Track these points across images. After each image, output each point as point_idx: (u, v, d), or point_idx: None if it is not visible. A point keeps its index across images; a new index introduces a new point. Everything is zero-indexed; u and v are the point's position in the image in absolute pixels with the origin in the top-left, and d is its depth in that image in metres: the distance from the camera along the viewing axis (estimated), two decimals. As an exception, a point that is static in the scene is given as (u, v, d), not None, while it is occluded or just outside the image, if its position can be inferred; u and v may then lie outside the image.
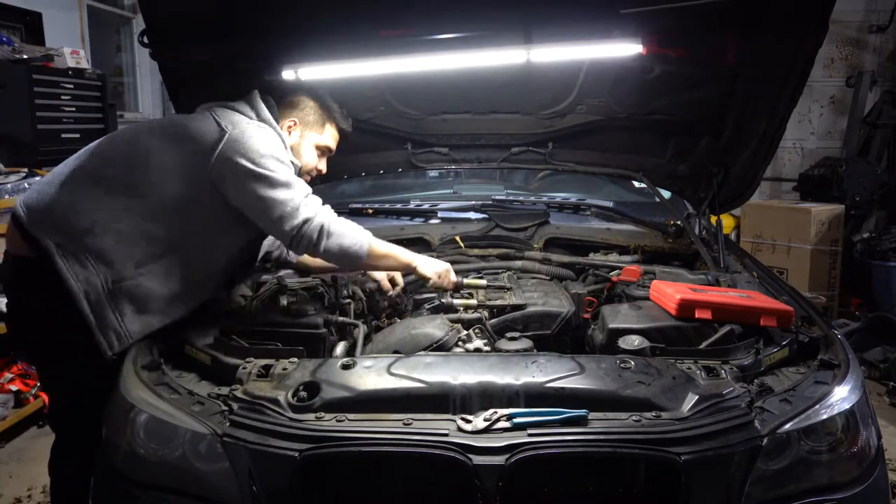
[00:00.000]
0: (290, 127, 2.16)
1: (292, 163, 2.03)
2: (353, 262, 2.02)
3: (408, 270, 2.17)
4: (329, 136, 2.25)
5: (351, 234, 1.98)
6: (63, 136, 4.36)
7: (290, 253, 2.43)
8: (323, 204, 2.00)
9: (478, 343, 1.98)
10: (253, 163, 1.88)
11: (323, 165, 2.29)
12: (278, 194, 1.89)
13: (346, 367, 1.64)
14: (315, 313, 1.98)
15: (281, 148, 2.00)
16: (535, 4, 2.11)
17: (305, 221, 1.90)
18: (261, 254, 2.36)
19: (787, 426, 1.50)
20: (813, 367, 1.71)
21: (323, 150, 2.26)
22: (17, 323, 2.03)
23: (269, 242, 2.39)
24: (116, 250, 1.83)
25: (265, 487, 1.45)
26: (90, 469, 1.73)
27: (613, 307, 2.06)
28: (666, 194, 3.05)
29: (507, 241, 2.83)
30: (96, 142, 2.00)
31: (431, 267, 2.16)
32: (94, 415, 1.75)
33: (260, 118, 2.05)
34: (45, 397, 3.50)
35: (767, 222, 5.26)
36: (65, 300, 1.78)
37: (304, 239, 1.91)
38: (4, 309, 2.30)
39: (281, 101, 2.18)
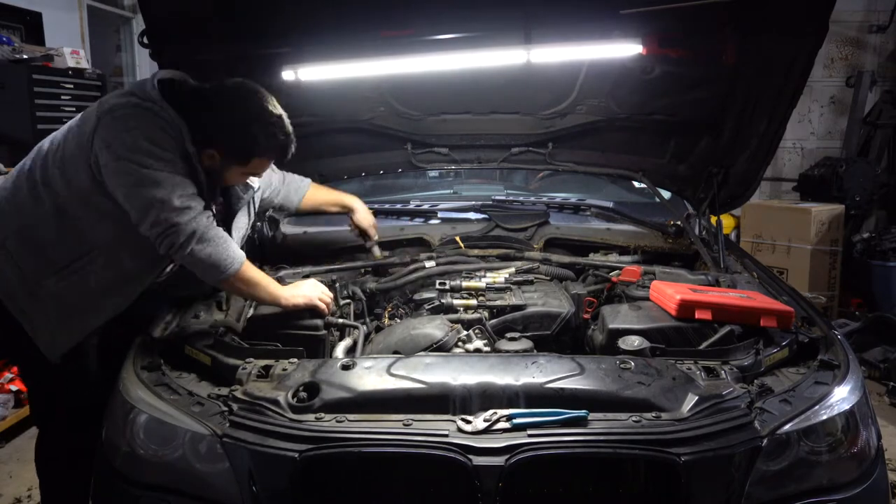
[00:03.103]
0: (207, 154, 1.88)
1: (189, 158, 1.83)
2: (215, 275, 1.84)
3: (273, 304, 1.97)
4: (256, 166, 1.99)
5: (225, 248, 1.82)
6: (63, 136, 4.35)
7: (288, 195, 2.46)
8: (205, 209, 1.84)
9: (478, 343, 1.98)
10: (117, 155, 1.72)
11: (258, 176, 2.11)
12: (146, 193, 1.72)
13: (345, 367, 1.64)
14: (315, 313, 1.98)
15: (159, 132, 1.77)
16: (535, 4, 2.11)
17: (173, 226, 1.74)
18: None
19: (787, 427, 1.50)
20: (813, 368, 1.71)
21: (250, 175, 2.05)
22: None
23: (267, 192, 2.38)
24: (33, 257, 1.83)
25: (265, 488, 1.45)
26: (74, 463, 1.74)
27: (613, 307, 2.06)
28: (666, 194, 3.05)
29: (507, 241, 2.82)
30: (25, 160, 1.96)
31: (294, 299, 1.96)
32: (66, 410, 1.83)
33: (145, 97, 1.80)
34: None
35: (767, 222, 5.25)
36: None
37: (167, 240, 1.75)
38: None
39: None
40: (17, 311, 1.86)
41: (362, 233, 2.57)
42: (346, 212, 2.56)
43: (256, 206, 2.28)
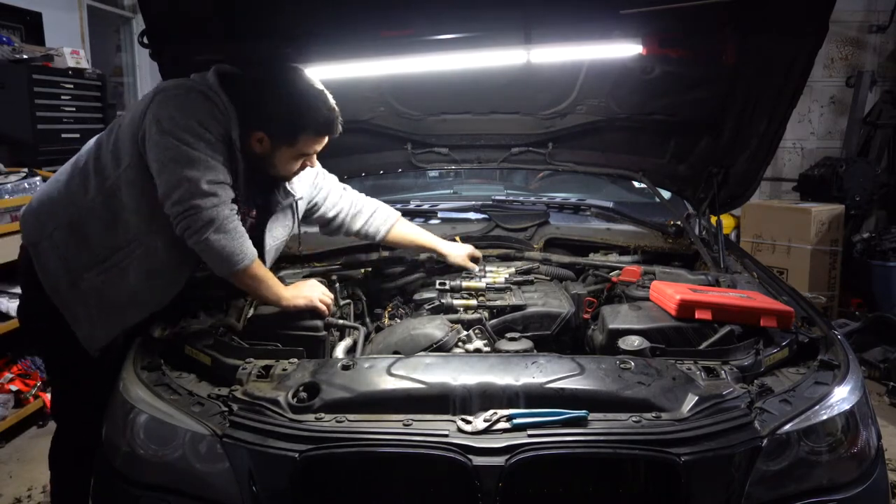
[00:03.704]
0: (255, 138, 1.92)
1: (231, 141, 1.84)
2: (226, 267, 1.82)
3: (275, 304, 1.94)
4: (305, 145, 1.96)
5: (240, 242, 1.81)
6: (63, 136, 4.35)
7: (373, 224, 2.38)
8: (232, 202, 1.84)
9: (478, 343, 1.98)
10: (162, 129, 1.75)
11: (312, 161, 2.06)
12: (178, 169, 1.74)
13: (346, 367, 1.64)
14: (315, 314, 1.98)
15: (208, 115, 1.80)
16: (535, 4, 2.11)
17: (194, 207, 1.74)
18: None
19: (787, 427, 1.50)
20: (813, 368, 1.71)
21: (302, 156, 2.00)
22: (24, 312, 2.11)
23: (341, 215, 2.34)
24: (77, 249, 1.86)
25: (265, 488, 1.45)
26: (89, 462, 1.74)
27: (613, 307, 2.06)
28: (666, 194, 3.05)
29: (507, 241, 2.82)
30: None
31: (295, 300, 1.94)
32: (92, 407, 1.79)
33: (201, 81, 1.86)
34: (44, 397, 3.51)
35: (767, 222, 5.25)
36: (40, 296, 1.89)
37: (185, 221, 1.75)
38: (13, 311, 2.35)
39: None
40: (60, 302, 1.88)
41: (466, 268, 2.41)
42: (439, 256, 2.45)
43: (300, 215, 2.22)
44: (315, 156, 2.05)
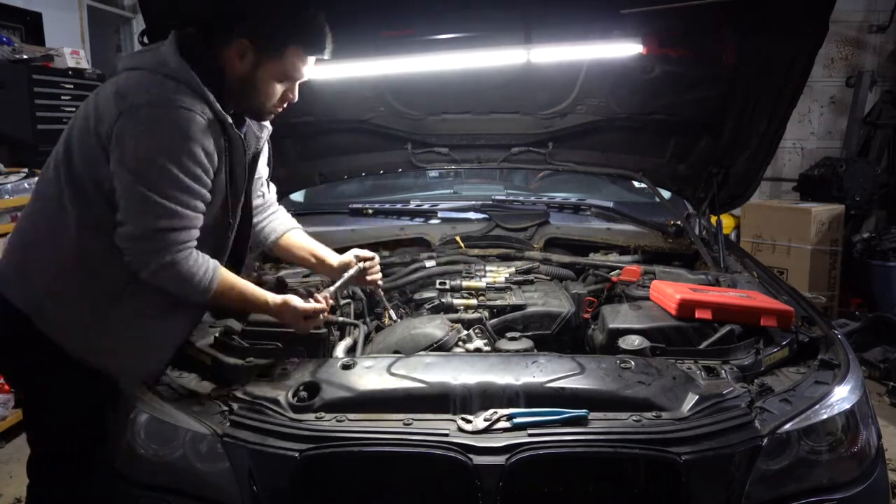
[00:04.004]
0: (237, 51, 1.65)
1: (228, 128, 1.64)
2: (195, 295, 1.65)
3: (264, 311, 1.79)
4: (291, 63, 1.70)
5: (186, 285, 1.62)
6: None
7: (265, 229, 2.09)
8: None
9: (478, 343, 1.98)
10: (130, 169, 1.52)
11: (294, 93, 1.79)
12: (148, 196, 1.52)
13: (346, 367, 1.64)
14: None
15: (192, 143, 1.55)
16: (535, 4, 2.11)
17: (154, 251, 1.56)
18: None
19: (788, 426, 1.50)
20: (813, 367, 1.71)
21: (287, 78, 1.74)
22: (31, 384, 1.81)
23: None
24: (89, 288, 1.64)
25: (265, 487, 1.45)
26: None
27: (613, 307, 2.06)
28: (666, 194, 3.05)
29: (508, 241, 2.82)
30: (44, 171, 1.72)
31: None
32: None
33: (174, 80, 1.57)
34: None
35: (767, 222, 5.25)
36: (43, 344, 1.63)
37: (136, 263, 1.57)
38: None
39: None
40: (87, 349, 1.64)
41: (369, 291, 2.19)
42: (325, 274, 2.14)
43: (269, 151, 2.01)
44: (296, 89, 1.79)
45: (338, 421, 1.48)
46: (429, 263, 2.54)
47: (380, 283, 2.11)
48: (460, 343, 1.96)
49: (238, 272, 1.82)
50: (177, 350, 1.77)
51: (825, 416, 1.55)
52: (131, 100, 1.54)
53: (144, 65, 1.62)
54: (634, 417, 1.47)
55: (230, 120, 1.65)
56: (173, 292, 1.63)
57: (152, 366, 1.71)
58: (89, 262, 1.63)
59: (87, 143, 1.60)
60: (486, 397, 1.53)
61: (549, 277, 2.54)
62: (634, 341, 1.80)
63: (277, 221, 2.12)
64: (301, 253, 2.09)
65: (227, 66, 1.68)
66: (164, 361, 1.74)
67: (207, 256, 1.66)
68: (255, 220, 2.04)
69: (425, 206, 3.19)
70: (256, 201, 2.04)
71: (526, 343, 1.93)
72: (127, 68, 1.66)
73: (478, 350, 1.93)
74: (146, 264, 1.57)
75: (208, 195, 1.64)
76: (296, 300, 1.76)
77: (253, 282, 2.17)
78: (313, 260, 2.09)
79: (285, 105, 1.80)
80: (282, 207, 2.19)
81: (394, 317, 2.12)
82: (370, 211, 3.11)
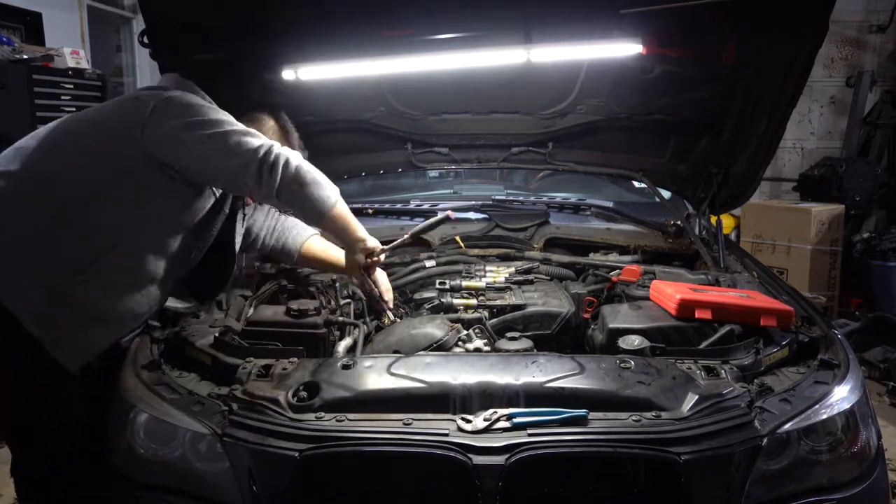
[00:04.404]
0: (263, 125, 2.00)
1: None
2: (327, 200, 1.79)
3: (360, 242, 1.96)
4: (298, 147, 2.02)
5: (322, 179, 1.78)
6: (63, 136, 4.36)
7: (287, 241, 2.26)
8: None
9: (478, 343, 1.98)
10: (190, 114, 1.72)
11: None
12: (231, 123, 1.74)
13: (346, 366, 1.64)
14: (315, 313, 1.98)
15: (206, 101, 1.84)
16: (535, 4, 2.11)
17: (265, 149, 1.70)
18: (241, 242, 2.14)
19: (787, 426, 1.50)
20: (813, 367, 1.71)
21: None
22: None
23: (256, 227, 2.23)
24: (50, 258, 1.66)
25: (265, 487, 1.45)
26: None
27: (613, 307, 2.06)
28: (666, 194, 3.05)
29: (507, 241, 2.82)
30: (20, 145, 1.80)
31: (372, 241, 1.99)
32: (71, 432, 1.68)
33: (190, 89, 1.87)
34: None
35: (767, 222, 5.25)
36: (6, 322, 1.62)
37: (276, 158, 1.70)
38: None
39: (239, 116, 1.93)
40: (35, 323, 1.64)
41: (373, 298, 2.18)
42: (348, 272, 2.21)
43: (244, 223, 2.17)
44: None
45: (338, 421, 1.48)
46: (429, 263, 2.54)
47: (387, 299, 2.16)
48: (460, 343, 1.96)
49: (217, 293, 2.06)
50: (107, 344, 1.76)
51: (825, 416, 1.55)
52: (158, 96, 1.77)
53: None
54: (634, 417, 1.47)
55: None
56: (310, 197, 1.75)
57: (81, 353, 1.71)
58: (58, 233, 1.68)
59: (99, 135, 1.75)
60: (485, 397, 1.53)
61: (549, 277, 2.54)
62: (634, 341, 1.80)
63: (295, 233, 2.27)
64: (325, 258, 2.25)
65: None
66: (92, 354, 1.73)
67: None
68: (270, 238, 2.25)
69: (425, 206, 3.19)
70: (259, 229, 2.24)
71: (526, 343, 1.93)
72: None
73: (478, 350, 1.93)
74: (276, 179, 1.69)
75: None
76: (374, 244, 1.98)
77: (256, 280, 2.19)
78: (339, 265, 2.19)
79: None
80: (293, 219, 2.29)
81: (392, 318, 2.12)
82: (370, 211, 3.11)
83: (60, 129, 1.81)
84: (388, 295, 2.13)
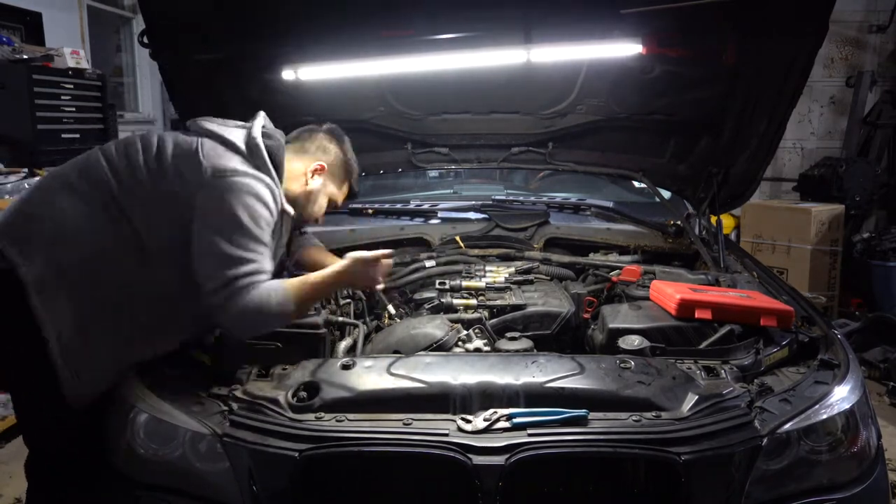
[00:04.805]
0: (316, 171, 1.95)
1: (283, 214, 1.81)
2: (280, 319, 1.72)
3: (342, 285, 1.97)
4: (342, 194, 2.07)
5: (270, 289, 1.68)
6: (63, 136, 4.36)
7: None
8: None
9: (478, 343, 1.98)
10: (221, 232, 1.64)
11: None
12: (227, 267, 1.63)
13: (346, 367, 1.64)
14: (315, 313, 1.98)
15: (264, 209, 1.71)
16: (535, 4, 2.11)
17: (231, 296, 1.62)
18: None
19: (787, 426, 1.50)
20: (813, 367, 1.71)
21: (332, 205, 2.05)
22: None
23: None
24: (92, 286, 1.65)
25: (265, 487, 1.45)
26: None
27: (613, 307, 2.06)
28: (666, 194, 3.05)
29: (507, 241, 2.83)
30: (81, 158, 1.78)
31: (361, 280, 1.95)
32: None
33: (256, 168, 1.75)
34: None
35: (767, 222, 5.25)
36: (26, 334, 1.60)
37: (216, 307, 1.64)
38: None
39: (304, 135, 1.99)
40: (58, 351, 1.62)
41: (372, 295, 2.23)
42: None
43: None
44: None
45: (337, 421, 1.48)
46: (429, 263, 2.54)
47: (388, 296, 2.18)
48: (460, 343, 1.96)
49: None
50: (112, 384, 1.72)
51: (825, 416, 1.55)
52: (219, 166, 1.70)
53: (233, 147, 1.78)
54: (634, 417, 1.47)
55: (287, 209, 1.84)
56: (260, 326, 1.70)
57: (92, 390, 1.68)
58: (99, 266, 1.66)
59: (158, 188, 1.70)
60: (485, 397, 1.53)
61: (548, 277, 2.54)
62: (634, 341, 1.80)
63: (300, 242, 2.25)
64: (322, 262, 2.17)
65: (290, 174, 1.91)
66: (101, 390, 1.69)
67: (272, 282, 1.70)
68: None
69: (425, 206, 3.19)
70: None
71: (526, 343, 1.93)
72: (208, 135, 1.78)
73: (478, 350, 1.93)
74: (227, 309, 1.62)
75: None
76: (357, 253, 1.89)
77: None
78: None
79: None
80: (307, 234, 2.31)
81: (392, 312, 2.13)
82: (370, 211, 3.11)
83: (135, 163, 1.73)
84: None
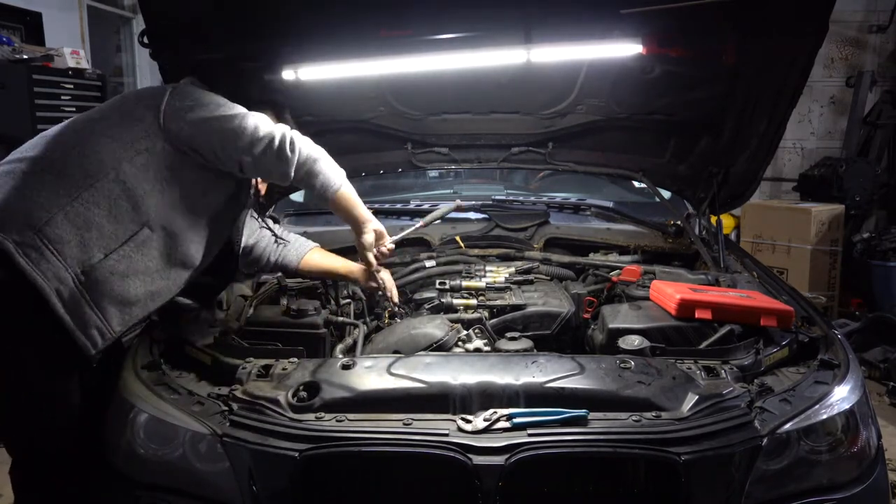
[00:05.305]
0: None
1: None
2: (322, 187, 1.88)
3: (363, 225, 2.00)
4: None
5: (331, 161, 1.89)
6: (63, 136, 4.36)
7: (287, 255, 2.29)
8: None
9: (478, 343, 1.98)
10: (203, 100, 1.81)
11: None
12: (240, 111, 1.81)
13: (346, 367, 1.64)
14: (315, 313, 1.98)
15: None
16: (535, 4, 2.11)
17: (281, 132, 1.80)
18: (242, 254, 2.20)
19: (787, 426, 1.50)
20: (813, 367, 1.71)
21: None
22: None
23: (260, 246, 2.27)
24: (82, 237, 1.66)
25: (265, 487, 1.45)
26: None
27: (613, 307, 2.06)
28: (666, 194, 3.05)
29: (507, 241, 2.83)
30: (39, 135, 1.84)
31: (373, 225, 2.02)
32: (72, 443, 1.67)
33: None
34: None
35: (767, 222, 5.25)
36: (28, 305, 1.60)
37: (290, 142, 1.80)
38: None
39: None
40: (63, 304, 1.63)
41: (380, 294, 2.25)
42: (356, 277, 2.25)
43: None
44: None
45: (338, 421, 1.48)
46: (429, 263, 2.54)
47: (391, 295, 2.20)
48: (460, 343, 1.96)
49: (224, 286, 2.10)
50: (126, 326, 1.76)
51: (825, 416, 1.55)
52: (167, 87, 1.87)
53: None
54: (634, 417, 1.47)
55: None
56: (321, 175, 1.85)
57: (106, 334, 1.70)
58: (87, 215, 1.69)
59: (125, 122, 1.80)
60: (485, 397, 1.53)
61: (549, 277, 2.54)
62: (634, 341, 1.80)
63: (295, 247, 2.30)
64: (325, 267, 2.29)
65: None
66: (121, 331, 1.73)
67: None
68: (273, 255, 2.28)
69: (425, 206, 3.19)
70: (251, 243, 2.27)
71: (526, 343, 1.93)
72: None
73: (478, 350, 1.94)
74: (294, 159, 1.80)
75: None
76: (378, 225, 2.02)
77: (252, 286, 2.20)
78: (342, 270, 2.26)
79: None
80: (294, 235, 2.35)
81: (396, 300, 2.18)
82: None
83: (82, 120, 1.86)
84: (395, 292, 2.19)
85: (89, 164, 1.73)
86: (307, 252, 2.31)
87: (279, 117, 2.05)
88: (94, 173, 1.72)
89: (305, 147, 1.84)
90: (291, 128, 1.94)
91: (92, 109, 1.94)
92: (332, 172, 1.89)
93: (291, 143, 1.80)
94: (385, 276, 2.18)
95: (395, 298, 2.20)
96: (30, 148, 1.79)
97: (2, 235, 1.60)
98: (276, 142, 1.78)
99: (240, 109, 1.82)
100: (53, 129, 1.85)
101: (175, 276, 1.83)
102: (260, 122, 1.81)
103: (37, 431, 1.76)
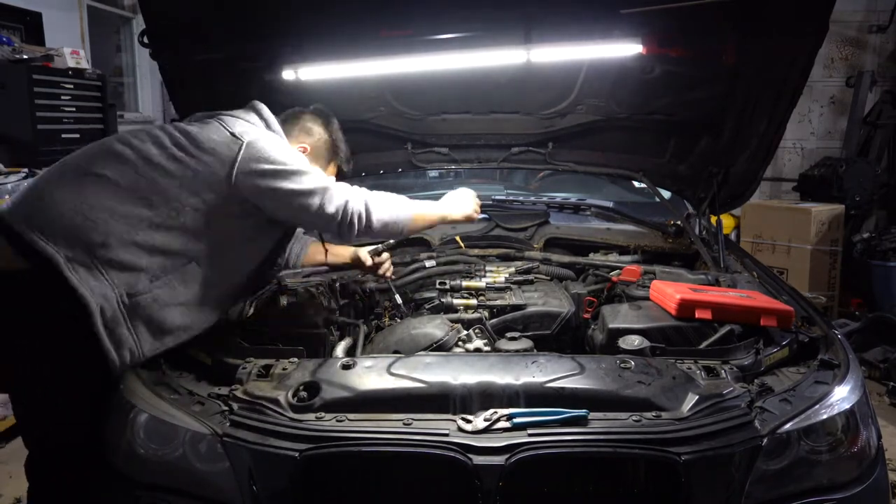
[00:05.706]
0: (300, 150, 2.03)
1: None
2: (398, 234, 2.04)
3: (444, 223, 2.20)
4: (330, 175, 2.12)
5: (391, 207, 1.95)
6: (63, 136, 4.36)
7: (293, 249, 2.31)
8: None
9: (478, 343, 1.98)
10: (277, 165, 1.79)
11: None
12: (311, 185, 1.81)
13: (346, 367, 1.64)
14: (315, 313, 1.98)
15: (292, 149, 1.93)
16: (535, 4, 2.11)
17: (346, 202, 1.84)
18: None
19: (787, 426, 1.50)
20: (813, 367, 1.71)
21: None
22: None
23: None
24: (132, 262, 1.69)
25: (265, 487, 1.45)
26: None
27: (613, 307, 2.06)
28: (666, 194, 3.05)
29: (507, 241, 2.83)
30: (96, 144, 1.85)
31: (461, 209, 2.20)
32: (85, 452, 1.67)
33: (269, 128, 1.94)
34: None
35: (767, 222, 5.25)
36: (67, 317, 1.61)
37: (351, 217, 1.84)
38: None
39: (289, 118, 2.06)
40: (104, 322, 1.64)
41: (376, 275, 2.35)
42: (357, 264, 2.36)
43: None
44: None
45: (338, 421, 1.48)
46: (429, 263, 2.54)
47: (391, 276, 2.33)
48: (460, 343, 1.96)
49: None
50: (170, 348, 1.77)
51: (825, 416, 1.55)
52: (247, 139, 1.83)
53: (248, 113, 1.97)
54: (634, 417, 1.47)
55: None
56: (388, 224, 1.93)
57: (147, 350, 1.71)
58: (141, 242, 1.71)
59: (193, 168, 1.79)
60: (486, 397, 1.53)
61: (549, 277, 2.54)
62: (634, 341, 1.80)
63: (299, 241, 2.34)
64: (322, 260, 2.37)
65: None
66: (156, 351, 1.74)
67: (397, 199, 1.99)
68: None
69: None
70: None
71: (526, 343, 1.93)
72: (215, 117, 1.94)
73: (478, 350, 1.93)
74: (360, 215, 1.85)
75: None
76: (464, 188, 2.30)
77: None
78: (347, 258, 2.36)
79: None
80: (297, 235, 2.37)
81: (399, 300, 2.22)
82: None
83: (154, 154, 1.79)
84: (390, 270, 2.35)
85: (153, 199, 1.74)
86: (309, 245, 2.35)
87: (328, 130, 2.12)
88: (150, 205, 1.74)
89: (376, 212, 1.88)
90: (335, 149, 2.11)
91: (150, 131, 1.86)
92: (402, 214, 1.96)
93: (350, 221, 1.84)
94: (385, 256, 2.32)
95: (390, 273, 2.33)
96: (94, 161, 1.78)
97: (54, 248, 1.62)
98: (336, 224, 1.84)
99: (311, 183, 1.81)
100: (121, 148, 1.80)
101: (209, 312, 1.83)
102: (326, 201, 1.81)
103: (36, 431, 1.79)
